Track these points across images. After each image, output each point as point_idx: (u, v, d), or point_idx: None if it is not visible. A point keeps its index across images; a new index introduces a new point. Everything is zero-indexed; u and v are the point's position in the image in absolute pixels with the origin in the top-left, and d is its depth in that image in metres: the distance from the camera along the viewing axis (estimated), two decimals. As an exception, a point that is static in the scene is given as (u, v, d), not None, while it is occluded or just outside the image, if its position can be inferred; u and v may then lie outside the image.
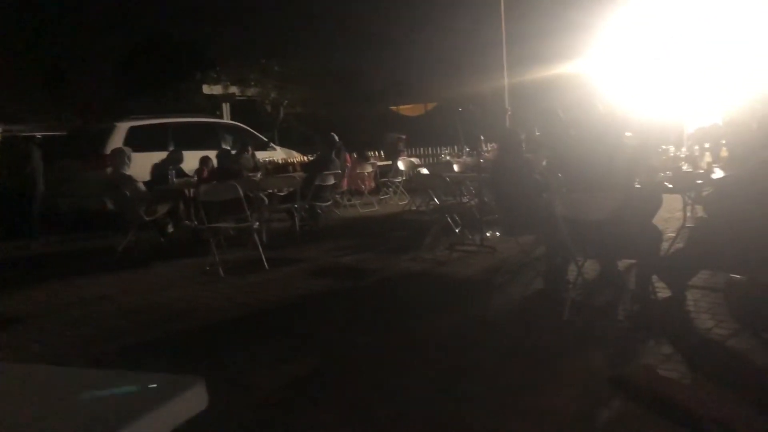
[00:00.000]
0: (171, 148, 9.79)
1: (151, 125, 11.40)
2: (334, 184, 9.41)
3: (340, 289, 5.95)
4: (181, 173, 9.07)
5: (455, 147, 14.05)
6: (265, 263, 6.65)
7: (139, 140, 10.31)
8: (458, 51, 20.37)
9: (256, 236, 6.92)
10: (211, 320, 5.05)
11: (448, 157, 11.95)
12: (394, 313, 4.96)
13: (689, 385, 3.09)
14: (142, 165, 9.00)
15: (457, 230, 7.64)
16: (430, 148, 16.86)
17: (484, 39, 17.17)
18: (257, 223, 7.21)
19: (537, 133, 6.81)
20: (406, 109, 22.82)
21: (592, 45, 13.64)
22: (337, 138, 10.11)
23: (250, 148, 10.35)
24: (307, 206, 8.78)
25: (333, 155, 9.47)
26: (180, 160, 9.19)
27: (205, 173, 8.74)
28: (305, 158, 11.83)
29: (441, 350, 4.04)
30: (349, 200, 11.55)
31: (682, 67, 12.16)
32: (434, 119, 21.21)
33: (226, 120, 16.11)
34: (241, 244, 7.70)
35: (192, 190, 8.14)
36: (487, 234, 7.27)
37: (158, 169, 8.94)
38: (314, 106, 20.58)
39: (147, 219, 8.06)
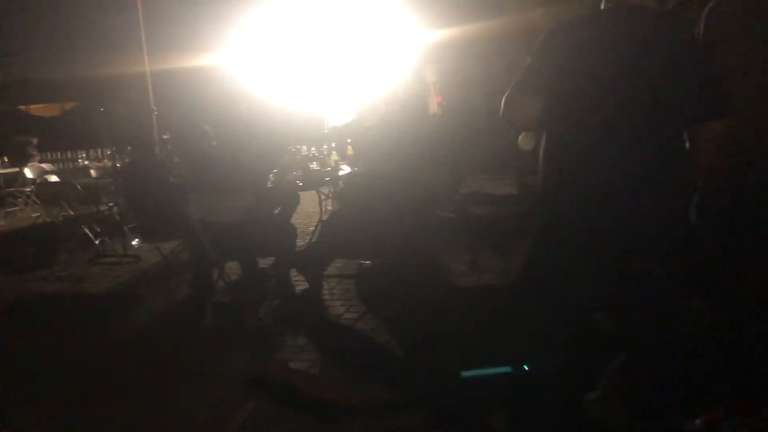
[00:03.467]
0: None
1: None
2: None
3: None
4: None
5: (97, 150, 12.98)
6: None
7: None
8: (97, 46, 18.73)
9: None
10: None
11: (86, 162, 10.92)
12: (17, 343, 4.28)
13: (316, 374, 3.25)
14: None
15: (97, 241, 6.99)
16: (68, 153, 15.26)
17: (123, 28, 16.00)
18: None
19: (165, 136, 6.60)
20: (38, 109, 20.31)
21: (232, 39, 13.72)
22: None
23: None
24: None
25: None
26: None
27: None
28: None
29: (71, 378, 3.60)
30: (-36, 216, 9.79)
31: (321, 67, 13.06)
32: (74, 120, 19.29)
33: None
34: None
35: None
36: (132, 243, 6.81)
37: None
38: None
39: None
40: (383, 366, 3.47)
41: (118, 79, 17.18)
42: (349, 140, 6.48)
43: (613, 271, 2.09)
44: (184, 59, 15.44)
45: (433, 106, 12.40)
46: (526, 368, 2.89)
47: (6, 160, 11.74)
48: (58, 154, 15.21)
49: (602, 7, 2.20)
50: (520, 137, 3.33)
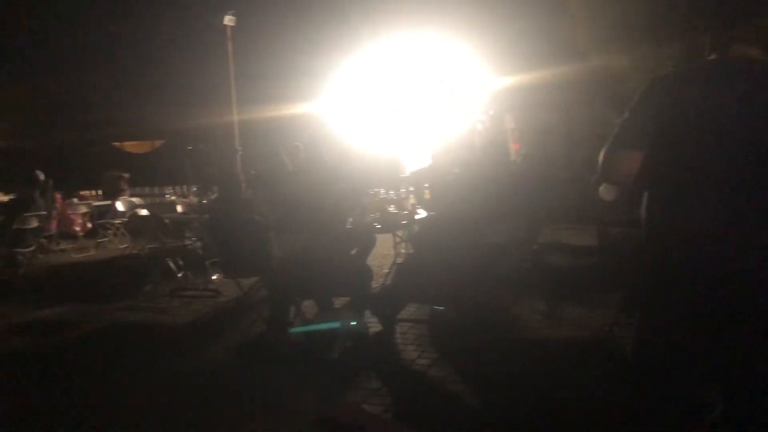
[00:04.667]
0: None
1: None
2: (39, 226, 8.38)
3: (39, 346, 5.22)
4: None
5: (183, 187, 13.55)
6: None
7: None
8: (188, 88, 19.77)
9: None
10: None
11: (173, 198, 11.41)
12: (96, 371, 4.46)
13: (389, 419, 3.23)
14: None
15: (179, 274, 7.26)
16: (156, 188, 16.00)
17: (214, 77, 16.93)
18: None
19: (252, 172, 6.81)
20: (131, 146, 21.48)
21: (320, 89, 14.24)
22: (42, 175, 9.06)
23: None
24: (4, 253, 7.68)
25: (37, 194, 8.46)
26: None
27: None
28: (5, 198, 10.41)
29: (152, 400, 3.72)
30: (59, 244, 10.37)
31: (398, 112, 13.29)
32: (162, 157, 20.27)
33: None
34: None
35: None
36: (213, 277, 7.03)
37: None
38: (20, 138, 18.33)
39: None
40: (455, 415, 3.42)
41: (206, 118, 18.03)
42: (426, 184, 6.52)
43: (728, 338, 2.00)
44: (269, 107, 16.11)
45: (511, 153, 12.35)
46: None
47: (100, 193, 12.45)
48: (147, 189, 15.97)
49: (706, 58, 2.15)
50: (601, 188, 3.26)
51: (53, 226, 9.73)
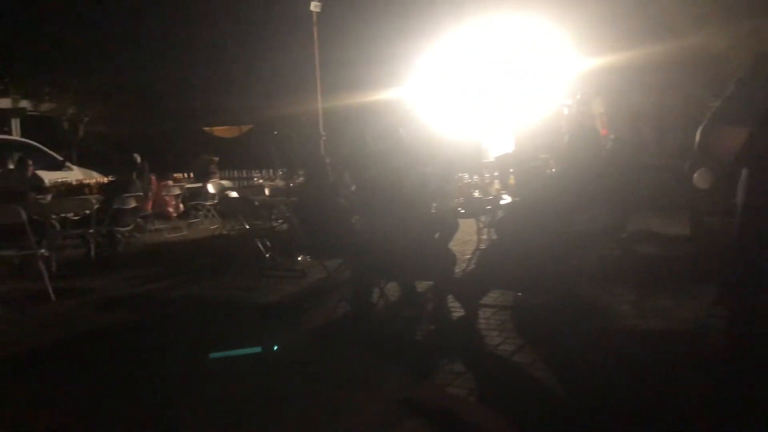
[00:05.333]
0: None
1: None
2: (136, 207, 8.83)
3: (133, 320, 5.53)
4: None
5: (270, 170, 13.93)
6: (52, 295, 6.04)
7: None
8: (274, 74, 20.24)
9: (42, 265, 6.24)
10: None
11: (260, 181, 11.77)
12: (191, 345, 4.69)
13: (474, 403, 3.24)
14: None
15: (267, 255, 7.49)
16: (243, 171, 16.53)
17: (299, 64, 17.26)
18: (43, 251, 6.52)
19: (329, 159, 6.90)
20: (221, 131, 22.24)
21: (404, 75, 14.27)
22: (139, 158, 9.53)
23: (30, 167, 9.33)
24: (104, 231, 8.14)
25: (134, 176, 8.90)
26: None
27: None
28: (105, 179, 11.02)
29: (240, 377, 3.88)
30: (154, 224, 10.91)
31: (485, 99, 13.13)
32: (249, 142, 20.90)
33: (15, 137, 14.59)
34: (25, 275, 6.91)
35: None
36: (299, 258, 7.22)
37: None
38: (118, 124, 19.32)
39: None
40: (539, 401, 3.38)
41: (291, 105, 18.42)
42: (511, 170, 6.44)
43: None
44: (353, 94, 16.27)
45: (600, 139, 11.95)
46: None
47: (192, 175, 12.97)
48: (235, 172, 16.52)
49: None
50: (695, 175, 3.12)
51: (149, 207, 10.23)
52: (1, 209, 6.39)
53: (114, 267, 7.77)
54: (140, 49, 19.04)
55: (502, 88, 13.01)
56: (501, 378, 3.76)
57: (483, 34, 13.22)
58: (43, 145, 12.87)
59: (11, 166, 9.73)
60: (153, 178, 10.74)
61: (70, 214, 8.40)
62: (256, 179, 12.71)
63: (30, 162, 9.46)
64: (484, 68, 13.24)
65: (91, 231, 7.90)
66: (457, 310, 4.96)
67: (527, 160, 6.25)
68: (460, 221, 6.04)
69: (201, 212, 11.84)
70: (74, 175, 11.99)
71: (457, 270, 5.53)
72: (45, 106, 17.98)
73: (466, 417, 2.98)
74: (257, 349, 3.47)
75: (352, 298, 5.24)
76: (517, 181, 6.07)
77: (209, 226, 11.34)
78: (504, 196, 5.82)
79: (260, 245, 7.46)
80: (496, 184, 6.07)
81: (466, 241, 7.76)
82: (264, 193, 9.20)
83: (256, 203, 7.74)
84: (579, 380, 3.59)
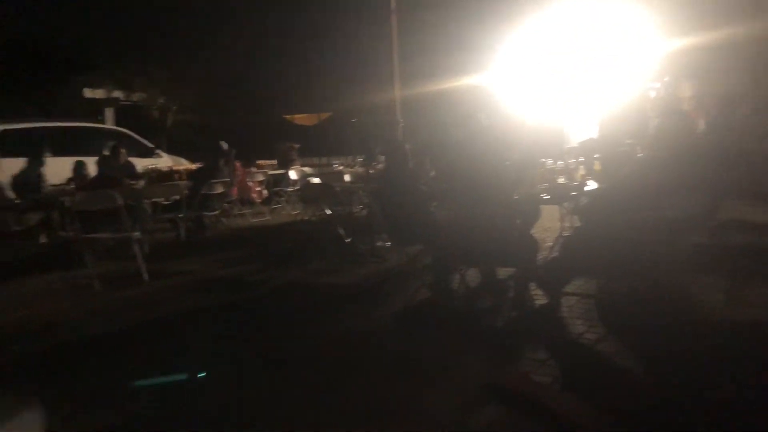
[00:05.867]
0: (47, 155, 9.18)
1: (25, 129, 10.68)
2: (223, 192, 9.16)
3: (222, 301, 5.76)
4: (42, 181, 8.52)
5: (348, 157, 14.10)
6: (145, 276, 6.37)
7: (12, 145, 9.63)
8: (352, 63, 20.46)
9: (136, 247, 6.59)
10: (76, 337, 4.76)
11: (340, 168, 11.94)
12: (276, 325, 4.86)
13: (558, 391, 3.21)
14: (14, 171, 8.42)
15: (347, 240, 7.62)
16: (323, 158, 16.82)
17: (377, 52, 17.35)
18: (138, 234, 6.88)
19: (423, 139, 6.92)
20: (300, 118, 22.68)
21: (485, 61, 14.12)
22: (226, 145, 9.85)
23: (122, 153, 9.79)
24: (193, 216, 8.49)
25: (221, 163, 9.23)
26: (40, 165, 8.63)
27: (81, 180, 8.26)
28: (193, 166, 11.46)
29: (322, 359, 3.99)
30: (239, 210, 11.28)
31: (566, 83, 12.83)
32: (328, 129, 21.23)
33: (109, 125, 15.37)
34: (120, 256, 7.32)
35: (67, 199, 7.66)
36: (378, 244, 7.31)
37: (20, 179, 8.33)
38: (205, 112, 20.04)
39: (17, 229, 7.49)
40: (625, 391, 3.31)
41: (369, 93, 18.56)
42: (596, 155, 6.28)
43: None
44: (431, 81, 16.23)
45: (691, 123, 11.46)
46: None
47: (275, 162, 13.30)
48: (315, 159, 16.83)
49: None
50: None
51: (234, 192, 10.57)
52: (97, 194, 6.78)
53: (202, 250, 8.10)
54: (226, 40, 19.64)
55: (584, 72, 12.67)
56: (585, 367, 3.71)
57: (565, 16, 12.89)
58: (135, 133, 13.49)
59: (106, 153, 10.25)
60: (238, 164, 11.08)
61: (161, 199, 8.82)
62: (335, 166, 12.90)
63: (123, 149, 9.95)
64: (566, 51, 12.93)
65: (180, 215, 8.26)
66: (539, 298, 4.91)
67: (614, 144, 6.07)
68: (542, 207, 5.95)
69: (283, 198, 12.15)
70: (164, 161, 12.52)
71: (539, 257, 5.46)
72: (136, 96, 18.87)
73: (550, 404, 2.96)
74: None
75: (432, 284, 5.27)
76: (603, 166, 5.92)
77: (291, 212, 11.62)
78: (589, 182, 5.69)
79: (341, 230, 7.60)
80: (582, 170, 5.94)
81: (547, 228, 7.63)
82: (344, 179, 9.33)
83: (338, 189, 7.87)
84: (666, 373, 3.49)
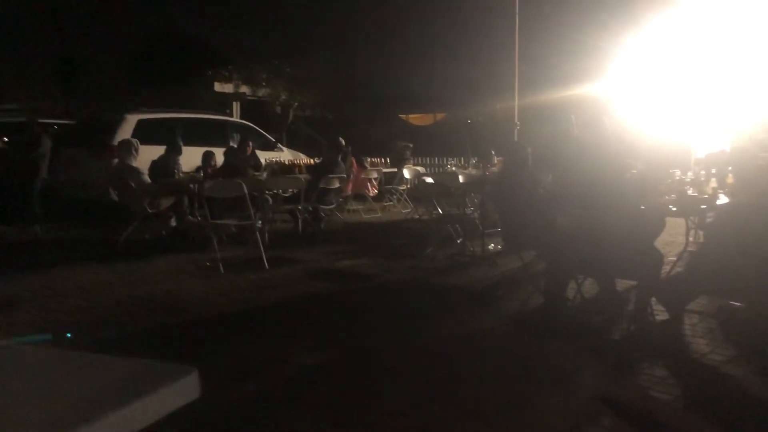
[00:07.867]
0: (179, 143, 9.79)
1: (160, 119, 11.43)
2: (339, 188, 9.41)
3: (337, 292, 5.95)
4: (178, 169, 9.09)
5: (462, 158, 14.06)
6: (266, 262, 6.67)
7: (148, 133, 10.33)
8: (471, 66, 20.42)
9: (258, 235, 6.93)
10: (206, 314, 5.08)
11: (453, 168, 11.95)
12: (389, 319, 4.96)
13: (680, 410, 3.08)
14: (149, 158, 9.03)
15: (458, 241, 7.64)
16: (436, 158, 16.85)
17: (497, 57, 17.20)
18: (260, 222, 7.22)
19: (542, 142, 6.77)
20: (415, 118, 22.88)
21: (607, 68, 13.69)
22: (344, 142, 10.12)
23: (250, 146, 10.26)
24: (310, 208, 8.79)
25: (339, 159, 9.48)
26: (178, 154, 9.19)
27: (210, 169, 8.76)
28: (311, 161, 11.85)
29: (434, 357, 4.04)
30: (352, 205, 11.56)
31: (694, 92, 12.19)
32: (443, 130, 21.25)
33: (236, 119, 16.17)
34: (242, 242, 7.71)
35: (197, 186, 8.16)
36: (489, 247, 7.26)
37: (158, 165, 8.93)
38: (323, 109, 20.66)
39: (150, 212, 8.07)
40: (753, 417, 3.13)
41: (486, 95, 18.44)
42: (730, 168, 5.94)
43: None
44: (551, 88, 15.87)
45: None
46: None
47: (388, 161, 13.50)
48: (428, 159, 16.90)
49: None
50: None
51: (349, 188, 10.84)
52: (225, 183, 7.18)
53: (318, 242, 8.38)
54: (347, 40, 20.17)
55: (710, 80, 11.98)
56: (710, 388, 3.53)
57: (689, 20, 12.25)
58: (259, 127, 14.09)
59: (233, 145, 10.79)
60: (354, 161, 11.34)
61: (280, 191, 9.19)
62: (449, 166, 12.92)
63: (250, 142, 10.44)
64: (690, 58, 12.30)
65: (299, 207, 8.57)
66: (660, 313, 4.72)
67: (750, 158, 5.71)
68: (667, 220, 5.70)
69: (395, 196, 12.32)
70: (285, 155, 13.01)
71: (662, 271, 5.24)
72: (261, 92, 19.73)
73: (670, 422, 2.85)
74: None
75: (546, 291, 5.18)
76: (738, 179, 5.59)
77: (402, 210, 11.77)
78: (721, 196, 5.39)
79: (452, 231, 7.62)
80: (713, 182, 5.63)
81: (670, 242, 7.29)
82: (457, 180, 9.33)
83: (452, 189, 7.90)
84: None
